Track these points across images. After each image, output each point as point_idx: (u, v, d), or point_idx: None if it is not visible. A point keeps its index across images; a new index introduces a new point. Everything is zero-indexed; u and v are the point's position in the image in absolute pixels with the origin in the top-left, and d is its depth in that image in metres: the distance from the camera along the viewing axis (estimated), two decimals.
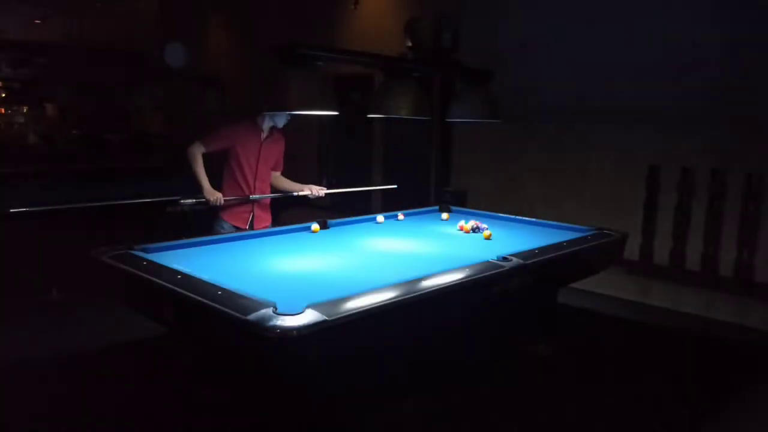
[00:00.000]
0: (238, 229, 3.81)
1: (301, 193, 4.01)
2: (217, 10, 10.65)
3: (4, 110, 12.98)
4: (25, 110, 13.10)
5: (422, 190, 7.16)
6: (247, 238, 3.42)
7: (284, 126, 4.00)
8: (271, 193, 4.02)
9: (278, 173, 4.15)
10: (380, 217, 4.11)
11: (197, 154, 3.72)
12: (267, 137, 3.94)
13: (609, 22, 5.80)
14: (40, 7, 10.54)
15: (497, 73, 4.15)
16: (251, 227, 3.88)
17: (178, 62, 6.45)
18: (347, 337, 2.12)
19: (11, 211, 4.23)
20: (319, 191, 4.04)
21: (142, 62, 11.80)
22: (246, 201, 3.87)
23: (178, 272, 2.50)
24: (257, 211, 3.98)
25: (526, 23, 6.38)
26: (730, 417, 3.17)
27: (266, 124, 3.90)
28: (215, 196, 3.70)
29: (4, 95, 12.88)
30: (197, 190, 3.76)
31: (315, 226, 3.73)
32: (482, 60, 4.89)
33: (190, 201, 3.60)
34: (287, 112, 3.79)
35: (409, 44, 5.51)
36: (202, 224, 3.85)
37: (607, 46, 5.82)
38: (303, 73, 3.07)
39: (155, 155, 10.26)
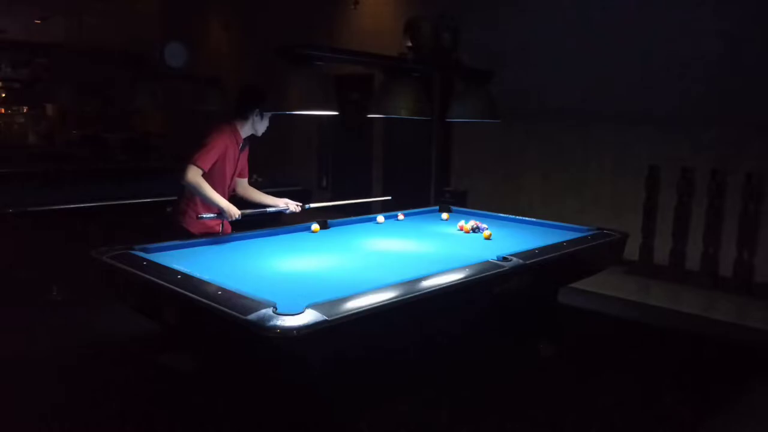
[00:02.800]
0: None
1: (276, 209, 3.68)
2: (218, 10, 10.65)
3: (4, 110, 13.00)
4: (25, 110, 13.12)
5: (422, 190, 7.17)
6: (247, 238, 3.42)
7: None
8: (244, 203, 3.66)
9: (245, 182, 3.82)
10: (380, 218, 4.11)
11: (200, 180, 3.30)
12: (243, 146, 3.64)
13: (609, 23, 5.81)
14: (40, 7, 10.55)
15: (497, 73, 4.15)
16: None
17: (178, 62, 6.44)
18: (347, 337, 2.12)
19: (11, 211, 4.23)
20: (296, 207, 3.68)
21: (142, 62, 11.80)
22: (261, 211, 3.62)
23: (178, 272, 2.50)
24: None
25: (527, 23, 6.38)
26: (730, 417, 3.17)
27: (245, 132, 3.58)
28: (236, 214, 3.33)
29: (4, 95, 12.90)
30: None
31: (315, 226, 3.73)
32: (482, 60, 4.89)
33: (210, 216, 3.33)
34: (268, 123, 3.58)
35: (409, 44, 5.50)
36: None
37: (607, 47, 5.82)
38: (303, 73, 3.08)
39: (155, 155, 10.27)
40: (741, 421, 3.15)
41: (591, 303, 4.93)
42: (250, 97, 3.51)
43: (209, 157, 3.37)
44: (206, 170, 3.35)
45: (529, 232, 3.85)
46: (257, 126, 3.56)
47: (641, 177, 5.67)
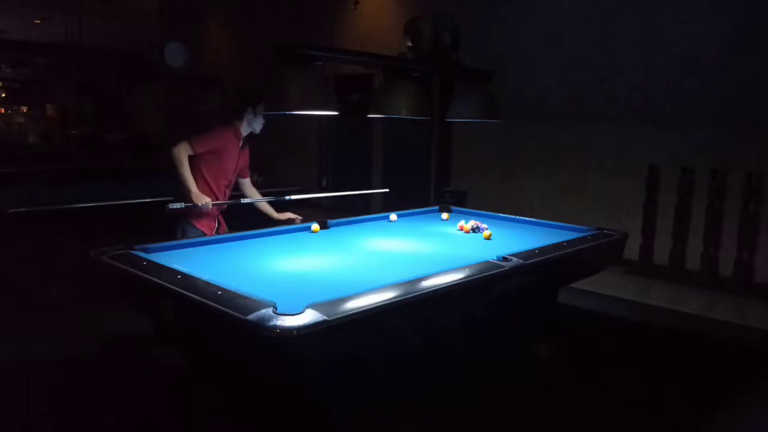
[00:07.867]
0: (203, 235, 3.67)
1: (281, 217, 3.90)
2: (217, 10, 10.65)
3: (4, 110, 13.00)
4: (25, 110, 13.12)
5: (422, 190, 7.17)
6: (247, 238, 3.42)
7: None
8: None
9: (248, 182, 4.05)
10: (393, 216, 4.11)
11: (183, 157, 3.54)
12: (243, 145, 3.86)
13: (609, 23, 5.81)
14: (40, 7, 10.54)
15: (497, 73, 4.15)
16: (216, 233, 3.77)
17: (178, 62, 6.45)
18: (347, 337, 2.12)
19: (11, 211, 4.22)
20: (299, 219, 3.89)
21: (142, 62, 11.79)
22: (234, 205, 3.78)
23: (178, 272, 2.50)
24: (221, 219, 3.90)
25: (527, 23, 6.38)
26: (730, 417, 3.17)
27: (245, 131, 3.81)
28: (204, 200, 3.54)
29: (4, 95, 12.90)
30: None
31: (315, 226, 3.73)
32: (482, 60, 4.89)
33: (178, 206, 3.45)
34: (263, 120, 3.82)
35: (409, 44, 5.53)
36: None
37: (606, 47, 5.82)
38: (303, 73, 3.08)
39: (155, 155, 10.28)
40: (741, 421, 3.15)
41: (591, 303, 4.93)
42: (242, 99, 3.82)
43: (203, 143, 3.62)
44: (196, 152, 3.59)
45: (529, 232, 3.84)
46: (254, 124, 3.84)
47: (641, 177, 5.67)
